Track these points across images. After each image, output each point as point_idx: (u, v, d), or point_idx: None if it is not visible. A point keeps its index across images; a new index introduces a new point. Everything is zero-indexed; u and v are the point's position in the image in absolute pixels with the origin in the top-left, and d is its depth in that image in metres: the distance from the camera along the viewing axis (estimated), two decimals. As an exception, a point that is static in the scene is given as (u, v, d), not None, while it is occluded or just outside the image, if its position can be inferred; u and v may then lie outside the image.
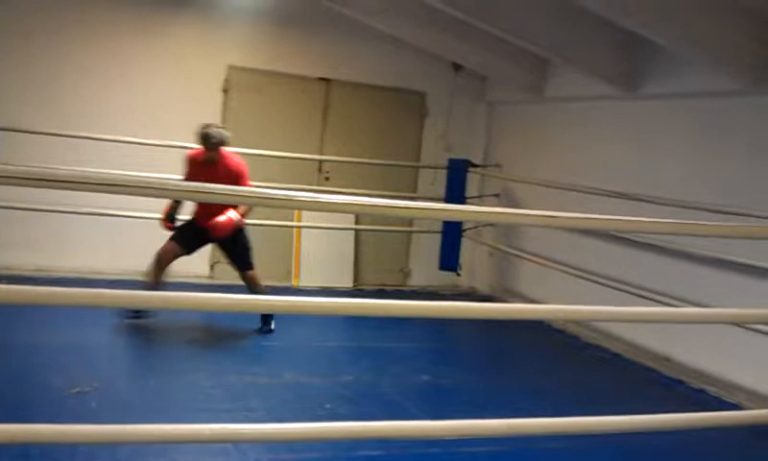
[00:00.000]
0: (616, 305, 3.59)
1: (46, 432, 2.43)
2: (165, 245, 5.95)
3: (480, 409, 4.80)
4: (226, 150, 5.86)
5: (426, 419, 4.57)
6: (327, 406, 4.76)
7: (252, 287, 6.02)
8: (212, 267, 8.02)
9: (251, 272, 6.06)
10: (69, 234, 7.41)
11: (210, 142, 5.74)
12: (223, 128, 5.96)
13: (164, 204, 5.97)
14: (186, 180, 5.68)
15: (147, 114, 7.56)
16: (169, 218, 5.93)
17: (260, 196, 3.01)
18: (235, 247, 6.06)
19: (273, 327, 6.17)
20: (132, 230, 7.19)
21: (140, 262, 6.17)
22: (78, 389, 4.52)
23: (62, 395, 4.43)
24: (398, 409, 4.89)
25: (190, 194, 2.97)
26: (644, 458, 4.38)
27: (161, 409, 4.44)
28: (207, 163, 5.78)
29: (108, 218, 7.11)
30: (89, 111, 7.41)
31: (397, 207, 3.07)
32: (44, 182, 2.19)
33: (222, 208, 5.70)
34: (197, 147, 5.90)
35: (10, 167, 2.22)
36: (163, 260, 5.91)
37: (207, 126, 5.83)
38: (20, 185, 2.21)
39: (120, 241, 7.46)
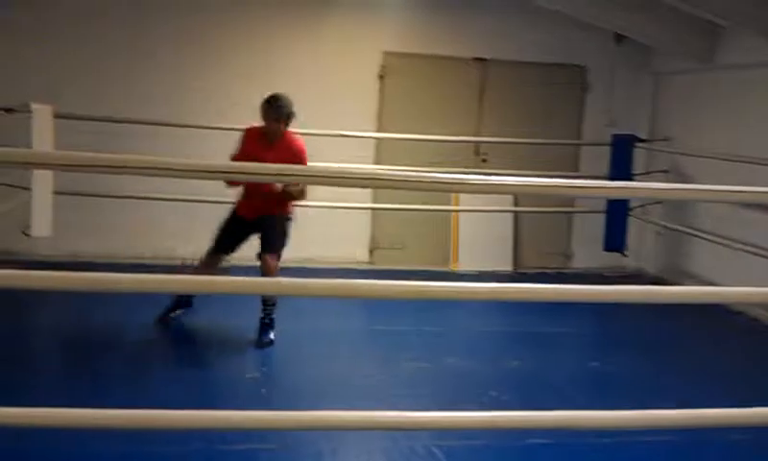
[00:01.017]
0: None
1: (236, 419, 2.52)
2: (207, 258, 5.41)
3: (651, 398, 4.56)
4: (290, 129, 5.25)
5: (594, 407, 4.46)
6: (492, 393, 4.67)
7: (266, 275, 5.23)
8: (372, 252, 8.13)
9: (275, 261, 5.26)
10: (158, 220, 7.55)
11: (278, 111, 5.09)
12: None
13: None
14: (236, 159, 5.07)
15: (306, 105, 7.71)
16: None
17: (423, 180, 2.97)
18: (274, 229, 5.34)
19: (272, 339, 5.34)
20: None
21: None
22: (251, 375, 4.71)
23: (239, 379, 4.64)
24: (565, 397, 4.73)
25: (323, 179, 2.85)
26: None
27: (327, 395, 4.53)
28: (266, 139, 5.17)
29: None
30: (241, 106, 7.52)
31: (562, 187, 2.97)
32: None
33: (277, 201, 5.22)
34: (256, 124, 5.29)
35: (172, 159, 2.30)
36: (204, 273, 5.19)
37: (276, 94, 5.18)
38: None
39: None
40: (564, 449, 3.82)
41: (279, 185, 5.08)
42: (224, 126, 7.11)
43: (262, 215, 5.29)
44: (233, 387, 4.60)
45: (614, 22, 7.82)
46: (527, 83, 8.35)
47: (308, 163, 5.17)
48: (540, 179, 2.73)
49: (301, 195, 5.30)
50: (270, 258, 5.22)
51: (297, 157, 5.13)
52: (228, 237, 5.42)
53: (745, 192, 2.68)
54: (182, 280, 3.21)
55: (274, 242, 5.30)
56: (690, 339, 6.18)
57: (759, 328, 6.44)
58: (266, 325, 5.32)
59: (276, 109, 5.12)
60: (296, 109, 5.23)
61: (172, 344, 5.46)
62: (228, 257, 5.49)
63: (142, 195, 6.98)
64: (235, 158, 5.11)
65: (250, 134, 5.31)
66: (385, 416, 2.66)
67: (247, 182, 5.04)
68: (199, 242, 7.05)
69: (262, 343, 5.25)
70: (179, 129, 7.12)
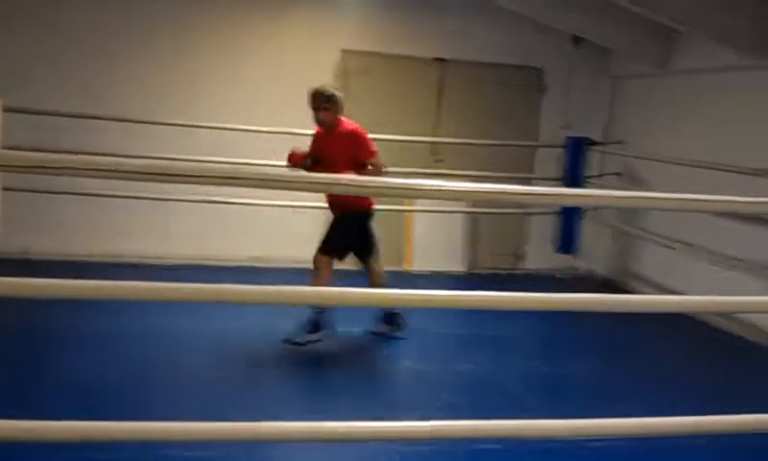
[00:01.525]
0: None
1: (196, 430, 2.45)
2: (318, 270, 5.30)
3: (603, 402, 4.61)
4: (345, 120, 5.33)
5: (545, 411, 4.49)
6: (444, 396, 4.66)
7: (373, 277, 5.54)
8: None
9: (374, 263, 5.56)
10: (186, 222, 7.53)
11: (319, 98, 5.16)
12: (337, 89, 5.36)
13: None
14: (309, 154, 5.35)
15: (261, 102, 7.64)
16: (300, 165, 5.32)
17: (380, 185, 2.94)
18: (364, 233, 5.52)
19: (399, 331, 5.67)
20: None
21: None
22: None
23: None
24: (517, 401, 4.74)
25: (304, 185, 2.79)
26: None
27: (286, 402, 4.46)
28: (326, 134, 5.30)
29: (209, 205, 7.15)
30: (201, 100, 7.56)
31: (516, 194, 2.93)
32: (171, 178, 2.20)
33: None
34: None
35: (145, 162, 2.22)
36: (321, 282, 5.25)
37: (315, 87, 5.26)
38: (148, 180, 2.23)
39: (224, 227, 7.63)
40: (512, 454, 3.81)
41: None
42: (178, 122, 7.04)
43: (343, 213, 5.43)
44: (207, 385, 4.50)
45: (571, 24, 7.88)
46: (485, 83, 8.37)
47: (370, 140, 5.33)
48: (497, 185, 2.64)
49: (377, 169, 5.27)
50: (371, 262, 5.53)
51: (354, 141, 5.25)
52: (330, 243, 5.37)
53: (690, 200, 2.68)
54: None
55: (364, 247, 5.51)
56: (642, 342, 6.23)
57: (708, 331, 6.54)
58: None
59: (321, 98, 5.19)
60: (340, 95, 5.29)
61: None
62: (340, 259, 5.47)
63: (93, 192, 6.78)
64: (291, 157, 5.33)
65: (316, 135, 5.48)
66: (332, 427, 2.60)
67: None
68: (143, 239, 6.97)
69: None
70: (135, 124, 7.07)
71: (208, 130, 7.14)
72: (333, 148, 5.21)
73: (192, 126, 7.07)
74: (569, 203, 6.74)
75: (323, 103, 5.19)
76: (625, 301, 3.60)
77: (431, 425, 2.78)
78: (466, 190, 2.72)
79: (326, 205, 5.61)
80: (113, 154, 6.48)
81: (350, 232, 5.46)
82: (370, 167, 5.27)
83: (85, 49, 7.36)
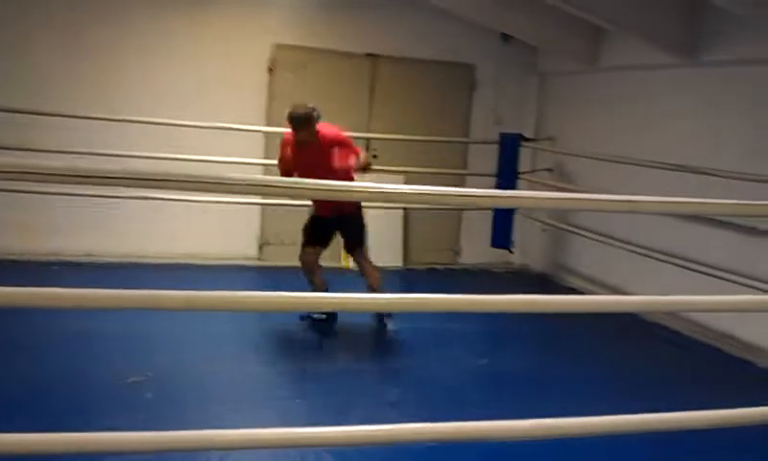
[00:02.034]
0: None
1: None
2: (303, 253, 5.88)
3: (540, 395, 4.68)
4: (322, 126, 5.47)
5: (486, 405, 4.52)
6: (390, 394, 4.63)
7: (364, 269, 5.88)
8: (261, 248, 7.96)
9: (363, 258, 5.91)
10: (115, 219, 7.29)
11: (296, 122, 5.36)
12: (312, 106, 5.44)
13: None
14: (283, 161, 5.53)
15: (191, 95, 7.46)
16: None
17: (320, 188, 2.85)
18: (352, 227, 5.85)
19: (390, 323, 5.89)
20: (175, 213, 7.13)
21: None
22: (133, 379, 4.47)
23: (117, 385, 4.39)
24: (458, 395, 4.74)
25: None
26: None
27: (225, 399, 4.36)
28: (302, 145, 5.43)
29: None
30: (129, 93, 7.31)
31: (455, 195, 2.93)
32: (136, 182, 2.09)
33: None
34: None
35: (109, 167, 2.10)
36: (309, 267, 5.85)
37: (293, 106, 5.44)
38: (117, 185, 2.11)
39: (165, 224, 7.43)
40: (457, 451, 3.80)
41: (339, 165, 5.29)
42: (99, 116, 6.81)
43: (338, 215, 5.70)
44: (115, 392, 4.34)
45: (499, 22, 7.97)
46: (417, 79, 8.38)
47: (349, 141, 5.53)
48: (436, 188, 2.54)
49: (366, 164, 5.45)
50: (359, 257, 5.88)
51: (334, 146, 5.34)
52: (315, 235, 5.84)
53: (611, 201, 2.67)
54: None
55: (354, 240, 5.88)
56: (576, 335, 6.30)
57: (639, 322, 6.69)
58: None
59: (297, 122, 5.35)
60: (315, 107, 5.41)
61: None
62: (321, 250, 5.90)
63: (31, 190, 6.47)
64: (281, 162, 5.57)
65: (287, 141, 5.58)
66: (273, 433, 2.53)
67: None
68: (77, 237, 6.69)
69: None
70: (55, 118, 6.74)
71: (131, 123, 6.93)
72: (314, 157, 5.31)
73: (113, 120, 6.86)
74: (507, 205, 6.76)
75: (300, 126, 5.36)
76: (564, 302, 3.58)
77: (377, 429, 2.67)
78: (404, 192, 2.55)
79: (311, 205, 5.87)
80: (38, 148, 6.29)
81: (349, 229, 5.85)
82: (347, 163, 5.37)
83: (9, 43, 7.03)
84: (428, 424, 2.56)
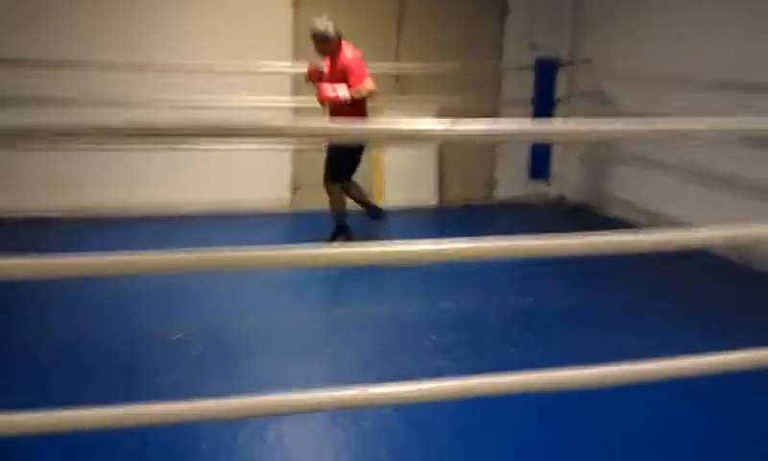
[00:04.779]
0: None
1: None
2: (332, 188, 6.06)
3: (589, 331, 4.52)
4: (346, 47, 5.76)
5: (538, 347, 4.37)
6: (433, 337, 4.49)
7: (330, 200, 6.09)
8: (294, 191, 7.79)
9: (328, 185, 6.05)
10: (144, 172, 7.14)
11: (316, 39, 5.68)
12: (326, 24, 5.69)
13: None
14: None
15: (214, 35, 7.21)
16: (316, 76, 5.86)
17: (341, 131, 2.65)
18: (331, 154, 6.05)
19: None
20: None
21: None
22: (177, 336, 4.36)
23: (162, 343, 4.29)
24: (506, 337, 4.59)
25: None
26: None
27: (262, 352, 4.25)
28: (330, 60, 5.77)
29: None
30: (152, 36, 7.07)
31: (492, 134, 2.69)
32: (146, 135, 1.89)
33: (344, 113, 5.53)
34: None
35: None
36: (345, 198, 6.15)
37: (310, 21, 5.73)
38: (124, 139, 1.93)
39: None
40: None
41: (338, 95, 5.57)
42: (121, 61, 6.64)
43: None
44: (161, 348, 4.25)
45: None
46: (448, 8, 8.03)
47: (361, 68, 5.71)
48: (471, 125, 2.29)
49: (370, 94, 5.69)
50: (326, 185, 6.03)
51: (345, 72, 5.63)
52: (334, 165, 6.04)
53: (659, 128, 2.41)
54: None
55: (326, 169, 6.03)
56: (626, 267, 6.09)
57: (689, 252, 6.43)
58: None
59: (313, 39, 5.70)
60: (330, 25, 5.65)
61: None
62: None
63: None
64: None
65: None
66: (330, 396, 2.34)
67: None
68: (106, 190, 6.58)
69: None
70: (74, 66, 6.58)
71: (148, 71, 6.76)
72: (332, 76, 5.71)
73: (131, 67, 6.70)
74: (549, 140, 6.44)
75: (317, 43, 5.70)
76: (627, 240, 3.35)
77: (446, 384, 2.46)
78: (440, 132, 2.29)
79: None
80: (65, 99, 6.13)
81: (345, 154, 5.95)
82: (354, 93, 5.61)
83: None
84: (499, 376, 2.37)
